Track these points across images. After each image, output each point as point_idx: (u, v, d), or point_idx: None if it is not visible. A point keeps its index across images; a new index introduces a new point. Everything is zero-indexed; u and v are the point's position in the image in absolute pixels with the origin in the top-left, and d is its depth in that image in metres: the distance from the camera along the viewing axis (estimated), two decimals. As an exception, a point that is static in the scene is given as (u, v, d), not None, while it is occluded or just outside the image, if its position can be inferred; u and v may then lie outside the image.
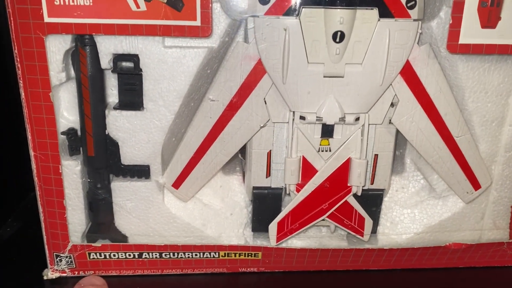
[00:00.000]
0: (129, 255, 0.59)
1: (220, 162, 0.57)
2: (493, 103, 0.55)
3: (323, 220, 0.59)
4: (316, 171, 0.56)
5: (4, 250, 0.65)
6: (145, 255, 0.59)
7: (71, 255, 0.59)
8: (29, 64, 0.50)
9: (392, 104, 0.54)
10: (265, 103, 0.53)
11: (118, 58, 0.51)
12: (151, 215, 0.58)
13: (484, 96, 0.55)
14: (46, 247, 0.59)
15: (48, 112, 0.52)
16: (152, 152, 0.55)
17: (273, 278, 0.61)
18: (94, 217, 0.58)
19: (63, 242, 0.58)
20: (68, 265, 0.59)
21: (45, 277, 0.59)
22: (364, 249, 0.60)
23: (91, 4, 0.48)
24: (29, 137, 0.53)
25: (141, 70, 0.52)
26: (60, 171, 0.55)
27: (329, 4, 0.47)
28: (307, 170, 0.56)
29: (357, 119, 0.53)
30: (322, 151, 0.55)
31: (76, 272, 0.60)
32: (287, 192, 0.58)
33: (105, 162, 0.56)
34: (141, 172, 0.56)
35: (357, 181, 0.56)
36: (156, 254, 0.59)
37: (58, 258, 0.59)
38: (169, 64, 0.51)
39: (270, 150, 0.56)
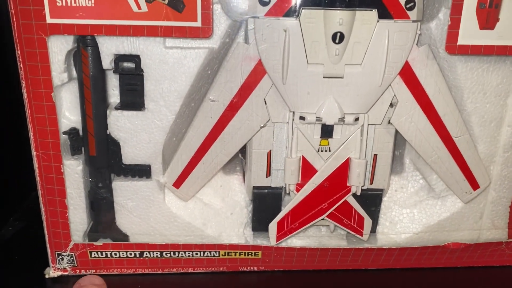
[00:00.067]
0: (130, 254, 0.59)
1: (221, 162, 0.57)
2: (492, 104, 0.55)
3: (322, 219, 0.59)
4: (316, 171, 0.56)
5: (7, 249, 0.65)
6: (146, 254, 0.59)
7: (73, 253, 0.59)
8: (32, 65, 0.50)
9: (391, 105, 0.54)
10: (265, 103, 0.53)
11: (119, 58, 0.51)
12: (152, 214, 0.58)
13: (482, 96, 0.55)
14: (48, 246, 0.59)
15: (50, 112, 0.52)
16: (153, 152, 0.56)
17: (273, 277, 0.61)
18: (95, 216, 0.58)
19: (65, 241, 0.58)
20: (69, 263, 0.59)
21: (47, 276, 0.60)
22: (363, 249, 0.60)
23: (93, 5, 0.48)
24: (32, 137, 0.53)
25: (142, 70, 0.52)
26: (62, 171, 0.55)
27: (328, 6, 0.48)
28: (307, 170, 0.56)
29: (357, 119, 0.53)
30: (322, 151, 0.56)
31: (78, 271, 0.60)
32: (287, 192, 0.58)
33: (106, 161, 0.56)
34: (142, 171, 0.56)
35: (357, 181, 0.56)
36: (157, 253, 0.59)
37: (60, 257, 0.59)
38: (170, 65, 0.52)
39: (270, 150, 0.56)
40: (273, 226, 0.59)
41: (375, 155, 0.57)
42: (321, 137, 0.55)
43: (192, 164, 0.57)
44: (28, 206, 0.74)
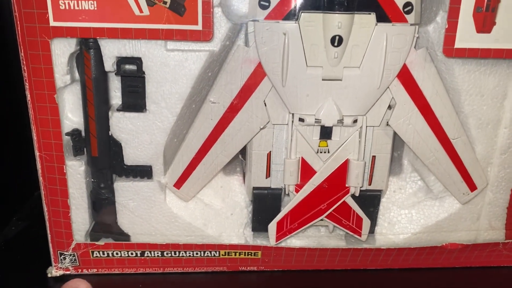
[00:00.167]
0: (132, 253, 0.59)
1: (221, 163, 0.57)
2: (489, 106, 0.56)
3: (321, 220, 0.59)
4: (315, 172, 0.56)
5: (9, 248, 0.66)
6: (147, 253, 0.60)
7: (75, 253, 0.59)
8: (35, 67, 0.51)
9: (389, 107, 0.54)
10: (265, 105, 0.54)
11: (121, 61, 0.52)
12: (153, 214, 0.59)
13: (480, 99, 0.55)
14: (50, 245, 0.59)
15: (53, 113, 0.53)
16: (154, 153, 0.56)
17: (273, 277, 0.61)
18: (97, 216, 0.59)
19: (67, 240, 0.59)
20: (71, 263, 0.60)
21: (49, 275, 0.60)
22: (362, 249, 0.60)
23: (96, 8, 0.48)
24: (35, 137, 0.54)
25: (144, 72, 0.52)
26: (65, 171, 0.55)
27: (327, 9, 0.48)
28: (306, 171, 0.56)
29: (355, 121, 0.54)
30: (321, 152, 0.56)
31: (80, 270, 0.60)
32: (287, 193, 0.59)
33: (108, 162, 0.56)
34: (143, 172, 0.57)
35: (355, 182, 0.56)
36: (158, 253, 0.60)
37: (62, 256, 0.60)
38: (171, 67, 0.52)
39: (270, 151, 0.57)
40: (272, 227, 0.59)
41: (374, 157, 0.57)
42: (320, 138, 0.55)
43: (192, 165, 0.57)
44: (31, 206, 0.75)
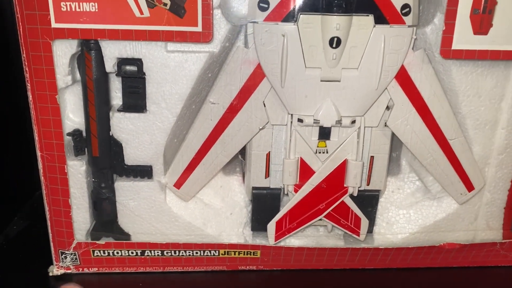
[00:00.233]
0: (132, 252, 0.60)
1: (221, 163, 0.58)
2: (486, 107, 0.56)
3: (320, 219, 0.59)
4: (314, 172, 0.57)
5: (11, 247, 0.66)
6: (148, 253, 0.60)
7: (76, 252, 0.60)
8: (37, 68, 0.51)
9: (387, 108, 0.55)
10: (264, 106, 0.54)
11: (122, 62, 0.52)
12: (153, 214, 0.59)
13: (477, 100, 0.55)
14: (51, 244, 0.59)
15: (55, 114, 0.53)
16: (155, 153, 0.56)
17: (272, 276, 0.62)
18: (98, 216, 0.59)
19: (68, 239, 0.59)
20: (73, 262, 0.60)
21: (50, 274, 0.60)
22: (360, 248, 0.61)
23: (97, 10, 0.49)
24: (36, 138, 0.54)
25: (144, 73, 0.53)
26: (66, 171, 0.56)
27: (326, 11, 0.48)
28: (305, 171, 0.57)
29: (353, 122, 0.54)
30: (319, 152, 0.56)
31: (81, 269, 0.61)
32: (286, 193, 0.59)
33: (109, 162, 0.57)
34: (144, 172, 0.57)
35: (353, 182, 0.56)
36: (158, 252, 0.60)
37: (63, 255, 0.60)
38: (172, 68, 0.52)
39: (269, 152, 0.57)
40: (271, 226, 0.59)
41: (372, 157, 0.57)
42: (318, 139, 0.55)
43: (192, 165, 0.57)
44: (32, 206, 0.75)
